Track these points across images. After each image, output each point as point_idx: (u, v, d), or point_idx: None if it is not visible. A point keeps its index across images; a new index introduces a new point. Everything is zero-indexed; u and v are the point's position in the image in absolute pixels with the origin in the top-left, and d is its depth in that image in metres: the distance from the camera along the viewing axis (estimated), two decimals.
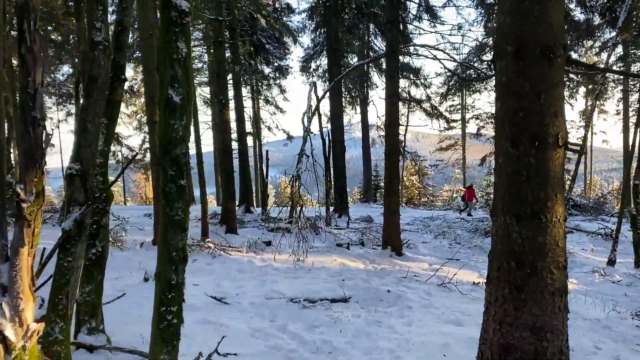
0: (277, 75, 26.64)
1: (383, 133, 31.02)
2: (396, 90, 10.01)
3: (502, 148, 2.87)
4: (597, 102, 38.23)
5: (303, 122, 10.12)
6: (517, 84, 2.72)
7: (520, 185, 2.76)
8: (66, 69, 24.89)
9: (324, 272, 8.29)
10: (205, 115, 43.08)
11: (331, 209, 19.81)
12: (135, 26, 12.63)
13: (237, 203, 24.25)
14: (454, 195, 42.55)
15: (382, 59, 23.25)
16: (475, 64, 18.55)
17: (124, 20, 4.00)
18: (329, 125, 19.64)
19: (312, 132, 11.59)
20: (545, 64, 2.67)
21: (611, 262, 10.63)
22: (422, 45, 14.14)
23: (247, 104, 28.72)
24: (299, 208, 13.76)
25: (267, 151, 17.89)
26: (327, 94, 20.69)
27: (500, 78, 2.82)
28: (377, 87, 30.76)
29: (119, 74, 4.02)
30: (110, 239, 9.16)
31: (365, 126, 30.17)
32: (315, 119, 15.73)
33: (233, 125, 23.00)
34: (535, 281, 2.74)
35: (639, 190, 11.31)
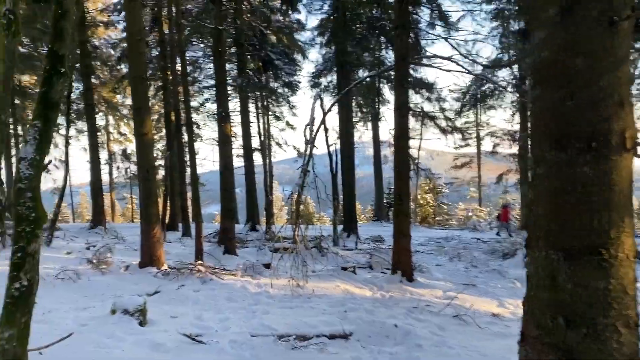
0: (286, 91, 26.07)
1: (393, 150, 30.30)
2: (405, 101, 9.22)
3: (541, 154, 2.04)
4: None
5: (305, 135, 9.35)
6: (565, 61, 1.90)
7: (570, 206, 1.91)
8: None
9: (324, 300, 7.42)
10: (213, 131, 42.71)
11: (341, 227, 18.95)
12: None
13: (240, 221, 23.48)
14: (469, 214, 41.34)
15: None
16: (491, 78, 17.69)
17: (64, 2, 3.27)
18: (338, 142, 18.88)
19: (315, 146, 10.82)
20: (605, 29, 1.84)
21: None
22: (435, 56, 13.36)
23: (256, 120, 28.15)
24: (302, 227, 12.96)
25: (270, 167, 17.13)
26: (335, 108, 20.01)
27: (540, 53, 1.99)
28: (388, 102, 30.04)
29: (57, 66, 3.27)
30: (94, 260, 8.42)
31: (377, 142, 29.39)
32: (322, 134, 15.06)
33: (240, 141, 22.43)
34: (594, 345, 1.88)
35: None
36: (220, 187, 11.02)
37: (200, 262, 9.03)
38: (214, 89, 28.53)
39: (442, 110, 28.34)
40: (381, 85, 29.20)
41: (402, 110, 9.13)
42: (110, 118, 36.94)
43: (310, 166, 9.42)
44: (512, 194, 47.25)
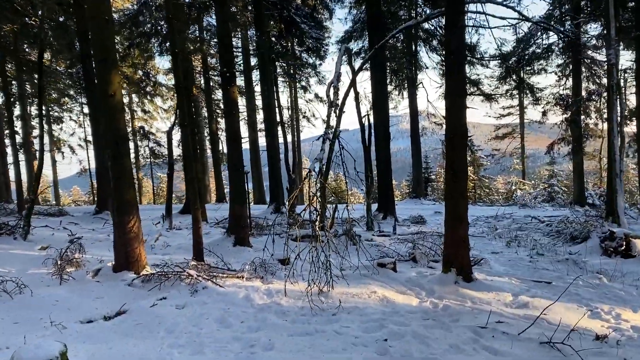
0: (313, 59, 23.72)
1: (434, 120, 27.72)
2: (460, 46, 6.90)
3: None
4: None
5: (329, 96, 7.20)
6: None
7: None
8: None
9: (356, 318, 5.36)
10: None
11: (375, 207, 16.80)
12: None
13: (266, 201, 21.60)
14: (513, 187, 38.42)
15: (434, 34, 19.97)
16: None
17: None
18: (371, 114, 16.57)
19: (343, 110, 8.73)
20: None
21: None
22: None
23: (282, 91, 26.02)
24: (330, 208, 10.89)
25: (298, 142, 15.03)
26: (368, 74, 17.66)
27: None
28: (426, 68, 27.35)
29: None
30: (59, 262, 6.57)
31: (414, 112, 26.83)
32: (351, 101, 12.83)
33: (262, 115, 20.38)
34: None
35: None
36: (227, 165, 9.04)
37: (196, 261, 7.10)
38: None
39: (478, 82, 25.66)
40: (418, 48, 26.59)
41: (456, 56, 6.84)
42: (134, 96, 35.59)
43: (334, 135, 7.36)
44: (561, 165, 44.02)
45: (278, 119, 19.51)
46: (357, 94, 11.83)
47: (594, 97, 26.33)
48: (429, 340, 4.69)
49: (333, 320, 5.28)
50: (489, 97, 26.68)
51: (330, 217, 12.19)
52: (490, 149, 42.23)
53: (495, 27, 7.62)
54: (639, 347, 4.94)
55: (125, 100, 35.14)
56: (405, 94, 28.39)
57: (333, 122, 7.78)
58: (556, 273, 8.66)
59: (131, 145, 35.68)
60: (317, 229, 6.37)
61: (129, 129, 35.11)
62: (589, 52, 28.12)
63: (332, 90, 7.27)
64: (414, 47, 26.02)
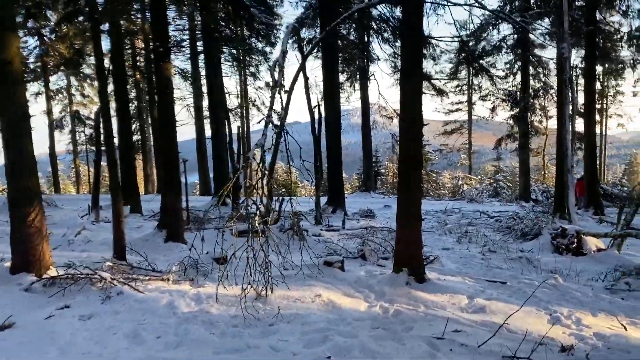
0: (262, 42, 22.72)
1: (385, 113, 27.38)
2: (418, 25, 6.27)
3: None
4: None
5: (273, 75, 6.41)
6: None
7: None
8: None
9: (296, 328, 4.64)
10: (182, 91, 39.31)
11: (325, 200, 16.18)
12: None
13: (212, 193, 20.60)
14: (459, 182, 38.87)
15: (387, 20, 19.44)
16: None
17: None
18: (322, 105, 15.86)
19: (289, 94, 8.00)
20: None
21: None
22: None
23: (229, 81, 24.91)
24: (277, 201, 10.17)
25: (238, 127, 14.15)
26: (318, 63, 16.97)
27: None
28: (378, 60, 26.87)
29: None
30: None
31: (366, 104, 26.40)
32: (300, 86, 11.99)
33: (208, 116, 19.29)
34: None
35: None
36: (159, 151, 8.09)
37: (116, 260, 6.18)
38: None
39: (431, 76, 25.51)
40: (371, 39, 26.09)
41: (415, 37, 6.21)
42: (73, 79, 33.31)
43: (281, 122, 6.61)
44: (504, 161, 45.00)
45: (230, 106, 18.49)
46: (306, 79, 11.11)
47: (540, 93, 26.74)
48: (379, 357, 4.03)
49: (270, 331, 4.53)
50: (440, 92, 26.57)
51: (276, 211, 11.44)
52: (438, 144, 42.69)
53: (453, 4, 7.01)
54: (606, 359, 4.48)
55: (63, 83, 32.92)
56: (357, 85, 27.92)
57: (278, 107, 7.00)
58: (510, 272, 8.27)
59: (67, 130, 33.58)
60: (256, 223, 5.59)
61: (66, 114, 32.94)
62: (536, 50, 28.64)
63: (277, 69, 6.48)
64: (366, 38, 25.51)
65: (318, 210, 12.84)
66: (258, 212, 5.79)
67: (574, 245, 9.88)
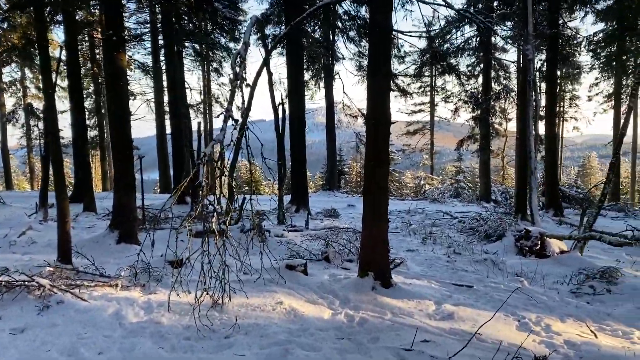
0: (225, 38, 22.16)
1: (350, 112, 27.22)
2: (389, 11, 6.00)
3: None
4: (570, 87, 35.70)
5: (234, 67, 6.01)
6: None
7: None
8: None
9: (254, 341, 4.29)
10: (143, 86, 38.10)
11: (288, 199, 15.81)
12: None
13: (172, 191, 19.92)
14: (421, 182, 39.15)
15: (354, 18, 19.24)
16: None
17: None
18: (286, 102, 15.46)
19: (252, 89, 7.63)
20: None
21: None
22: None
23: (192, 77, 24.23)
24: (240, 199, 9.77)
25: (199, 123, 13.62)
26: (283, 53, 16.59)
27: None
28: (343, 59, 26.66)
29: None
30: None
31: (330, 102, 26.15)
32: (263, 83, 11.54)
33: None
34: None
35: None
36: (112, 147, 7.57)
37: (60, 264, 5.66)
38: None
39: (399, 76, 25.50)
40: (336, 38, 25.91)
41: (383, 32, 5.94)
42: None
43: (244, 119, 6.21)
44: (464, 162, 45.68)
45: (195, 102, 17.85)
46: (270, 74, 10.72)
47: (502, 96, 27.10)
48: None
49: (225, 345, 4.16)
50: (404, 92, 26.57)
51: (237, 210, 11.03)
52: (401, 144, 42.91)
53: (421, 0, 6.76)
54: None
55: (17, 75, 31.28)
56: (322, 84, 27.64)
57: (240, 102, 6.59)
58: (476, 275, 8.14)
59: (19, 124, 31.95)
60: (213, 224, 5.20)
61: (20, 107, 31.33)
62: (497, 53, 29.07)
63: (238, 61, 6.09)
64: (331, 37, 25.28)
65: (281, 210, 12.47)
66: (216, 212, 5.41)
67: (538, 248, 9.86)
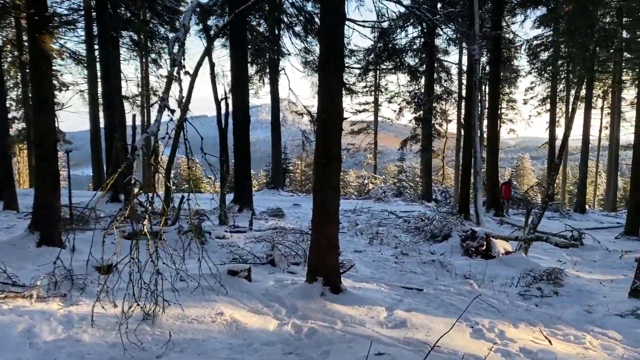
0: (165, 27, 21.10)
1: (295, 109, 26.82)
2: (338, 9, 5.63)
3: None
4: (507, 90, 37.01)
5: (171, 53, 5.44)
6: None
7: None
8: None
9: (191, 358, 3.78)
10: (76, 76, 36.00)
11: (231, 198, 15.19)
12: None
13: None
14: (365, 182, 39.34)
15: (300, 9, 18.82)
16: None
17: None
18: (230, 97, 14.81)
19: (192, 79, 7.09)
20: None
21: (636, 291, 7.14)
22: None
23: (129, 67, 22.95)
24: (181, 198, 9.17)
25: (134, 115, 12.77)
26: (227, 44, 15.95)
27: None
28: (289, 54, 26.22)
29: None
30: None
31: (276, 99, 25.63)
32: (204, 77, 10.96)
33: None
34: None
35: None
36: (33, 137, 6.73)
37: None
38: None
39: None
40: (282, 33, 25.40)
41: (335, 20, 5.55)
42: None
43: (182, 112, 5.65)
44: (407, 162, 46.37)
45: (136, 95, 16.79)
46: (212, 65, 10.14)
47: (444, 97, 27.56)
48: None
49: None
50: (350, 91, 26.52)
51: (173, 209, 10.38)
52: (346, 143, 42.99)
53: None
54: None
55: None
56: (267, 79, 27.06)
57: (176, 92, 6.00)
58: (425, 277, 7.93)
59: None
60: (144, 225, 4.63)
61: None
62: (440, 55, 29.57)
63: (176, 46, 5.52)
64: (277, 31, 24.76)
65: (223, 209, 11.88)
66: (147, 211, 4.84)
67: (484, 248, 9.84)
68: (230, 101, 14.38)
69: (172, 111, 5.01)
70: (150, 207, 5.40)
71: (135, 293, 4.22)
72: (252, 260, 7.55)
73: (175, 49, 5.43)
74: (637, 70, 24.60)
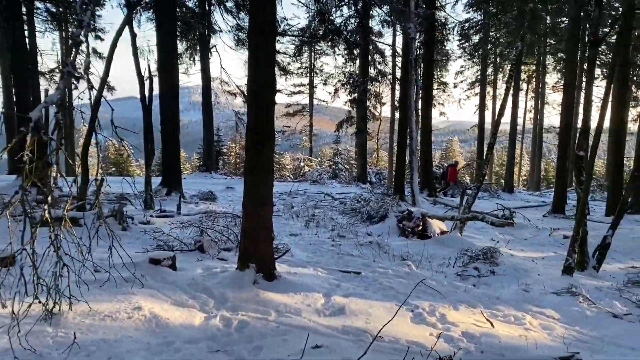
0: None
1: (228, 88, 25.88)
2: None
3: None
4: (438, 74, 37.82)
5: (79, 15, 4.73)
6: None
7: None
8: None
9: None
10: None
11: (159, 181, 14.32)
12: None
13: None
14: (300, 164, 39.04)
15: None
16: None
17: None
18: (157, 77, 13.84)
19: (112, 49, 6.38)
20: None
21: (569, 268, 7.26)
22: None
23: (44, 40, 21.11)
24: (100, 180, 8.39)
25: (46, 90, 11.61)
26: (153, 18, 14.92)
27: None
28: (220, 31, 25.19)
29: None
30: None
31: (207, 78, 24.54)
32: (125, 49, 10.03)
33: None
34: None
35: (583, 164, 8.20)
36: None
37: None
38: None
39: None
40: (212, 8, 24.33)
41: None
42: None
43: (101, 83, 4.94)
44: (342, 144, 46.50)
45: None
46: (134, 36, 9.28)
47: (379, 78, 27.58)
48: None
49: None
50: (285, 71, 25.90)
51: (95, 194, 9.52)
52: (281, 125, 42.42)
53: None
54: None
55: None
56: (198, 57, 25.87)
57: (97, 70, 5.26)
58: (363, 259, 7.68)
59: None
60: (46, 209, 3.99)
61: None
62: (374, 38, 29.54)
63: (83, 4, 4.81)
64: (207, 6, 23.66)
65: (148, 193, 11.09)
66: (51, 194, 4.20)
67: (420, 229, 9.76)
68: (157, 78, 13.46)
69: (78, 79, 4.34)
70: (54, 190, 4.72)
71: (35, 288, 3.59)
72: (178, 247, 6.96)
73: (84, 10, 4.72)
74: (560, 55, 25.70)
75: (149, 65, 10.96)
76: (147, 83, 11.05)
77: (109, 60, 8.55)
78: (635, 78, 22.77)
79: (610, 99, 9.83)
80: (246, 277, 5.32)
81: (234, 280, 5.27)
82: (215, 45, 23.83)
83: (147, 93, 10.97)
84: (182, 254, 6.64)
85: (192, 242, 7.24)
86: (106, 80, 8.92)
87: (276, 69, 22.66)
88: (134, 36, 9.41)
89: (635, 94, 25.74)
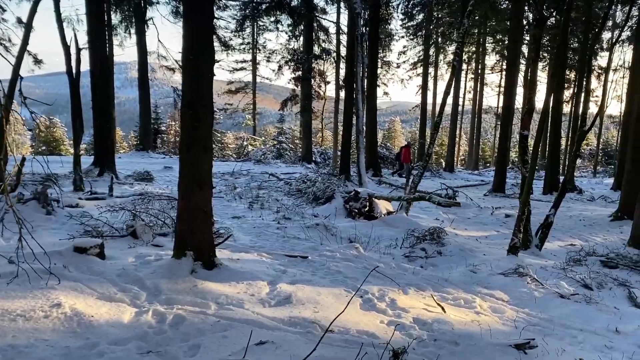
0: None
1: (166, 63, 24.66)
2: None
3: None
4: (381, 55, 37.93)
5: None
6: None
7: None
8: None
9: None
10: None
11: (91, 161, 13.40)
12: None
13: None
14: (244, 143, 38.25)
15: None
16: None
17: None
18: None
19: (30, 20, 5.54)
20: None
21: (514, 248, 7.27)
22: None
23: None
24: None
25: None
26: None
27: None
28: (157, 3, 23.89)
29: None
30: None
31: (143, 52, 23.26)
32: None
33: None
34: None
35: (527, 143, 8.26)
36: None
37: None
38: None
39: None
40: None
41: None
42: None
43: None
44: (286, 124, 45.98)
45: None
46: (57, 3, 8.39)
47: (323, 56, 27.18)
48: None
49: None
50: (226, 45, 24.94)
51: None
52: (223, 103, 41.27)
53: None
54: (437, 355, 3.70)
55: None
56: (133, 30, 24.44)
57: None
58: (309, 242, 7.39)
59: None
60: None
61: None
62: (318, 15, 29.03)
63: None
64: None
65: (77, 173, 10.26)
66: None
67: (367, 209, 9.57)
68: (87, 51, 12.46)
69: (18, 61, 3.68)
70: None
71: None
72: (109, 233, 6.37)
73: None
74: (499, 37, 26.21)
75: (75, 35, 10.03)
76: (75, 55, 10.13)
77: (28, 26, 7.69)
78: (569, 61, 23.58)
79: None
80: (183, 265, 4.88)
81: (169, 270, 4.81)
82: (152, 18, 22.62)
83: (74, 65, 10.04)
84: (113, 241, 6.07)
85: (124, 227, 6.67)
86: (25, 49, 8.04)
87: (217, 44, 21.74)
88: (57, 1, 8.50)
89: (568, 76, 26.72)
